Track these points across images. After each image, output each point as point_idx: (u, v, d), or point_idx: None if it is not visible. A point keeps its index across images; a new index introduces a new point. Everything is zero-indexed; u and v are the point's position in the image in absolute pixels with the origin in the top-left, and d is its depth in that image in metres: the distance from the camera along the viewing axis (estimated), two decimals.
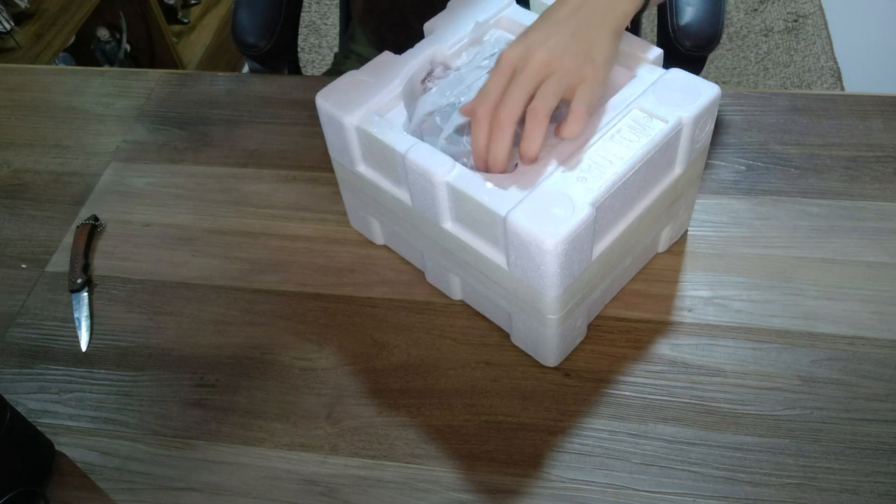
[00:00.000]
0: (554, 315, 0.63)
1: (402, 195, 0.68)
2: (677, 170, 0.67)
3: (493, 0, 0.74)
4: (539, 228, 0.56)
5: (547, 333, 0.66)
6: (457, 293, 0.75)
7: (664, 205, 0.69)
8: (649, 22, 2.08)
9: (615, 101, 0.64)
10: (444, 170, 0.61)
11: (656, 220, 0.70)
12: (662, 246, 0.76)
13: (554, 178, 0.60)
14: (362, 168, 0.71)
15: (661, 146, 0.62)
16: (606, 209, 0.60)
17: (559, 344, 0.68)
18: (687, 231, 0.78)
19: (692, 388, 0.68)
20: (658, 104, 0.63)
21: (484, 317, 0.74)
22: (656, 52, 0.67)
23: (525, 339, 0.70)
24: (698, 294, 0.74)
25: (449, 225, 0.65)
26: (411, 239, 0.73)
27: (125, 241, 0.85)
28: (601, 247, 0.64)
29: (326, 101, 0.68)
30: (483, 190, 0.60)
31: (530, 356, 0.71)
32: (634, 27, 1.38)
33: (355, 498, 0.65)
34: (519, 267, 0.61)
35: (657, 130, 0.61)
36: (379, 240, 0.80)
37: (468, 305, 0.75)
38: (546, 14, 0.64)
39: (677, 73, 0.65)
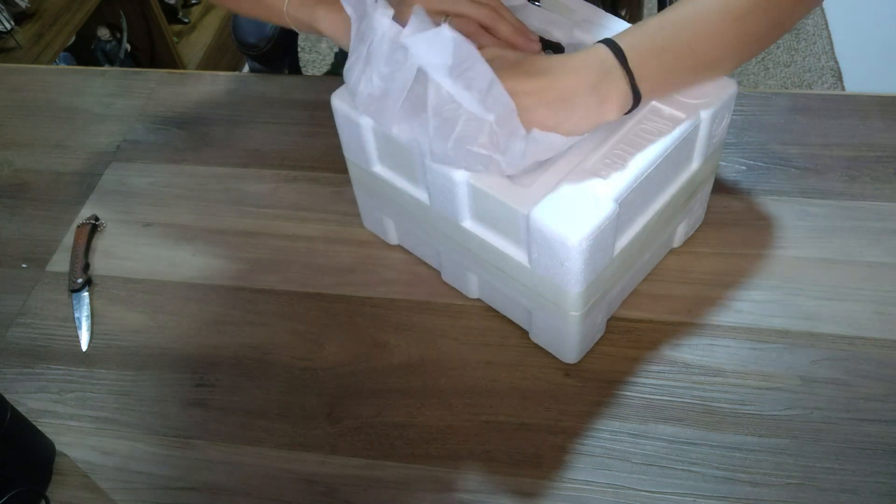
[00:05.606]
0: (576, 312, 0.63)
1: (420, 194, 0.68)
2: (695, 165, 0.68)
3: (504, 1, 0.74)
4: (563, 225, 0.56)
5: (569, 330, 0.66)
6: (474, 292, 0.75)
7: (682, 200, 0.69)
8: None
9: None
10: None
11: (674, 214, 0.70)
12: (677, 241, 0.76)
13: (575, 175, 0.60)
14: (378, 168, 0.71)
15: (680, 142, 0.62)
16: (628, 205, 0.60)
17: (580, 340, 0.68)
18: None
19: (692, 388, 0.68)
20: (675, 100, 0.63)
21: (485, 317, 0.74)
22: None
23: (545, 336, 0.70)
24: (699, 294, 0.74)
25: (468, 223, 0.65)
26: (428, 238, 0.73)
27: (125, 241, 0.85)
28: (622, 242, 0.64)
29: (342, 101, 0.67)
30: (505, 188, 0.60)
31: (531, 356, 0.71)
32: None
33: (355, 498, 0.65)
34: (542, 264, 0.61)
35: (676, 127, 0.62)
36: (393, 240, 0.80)
37: (468, 305, 0.75)
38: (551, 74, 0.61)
39: None
